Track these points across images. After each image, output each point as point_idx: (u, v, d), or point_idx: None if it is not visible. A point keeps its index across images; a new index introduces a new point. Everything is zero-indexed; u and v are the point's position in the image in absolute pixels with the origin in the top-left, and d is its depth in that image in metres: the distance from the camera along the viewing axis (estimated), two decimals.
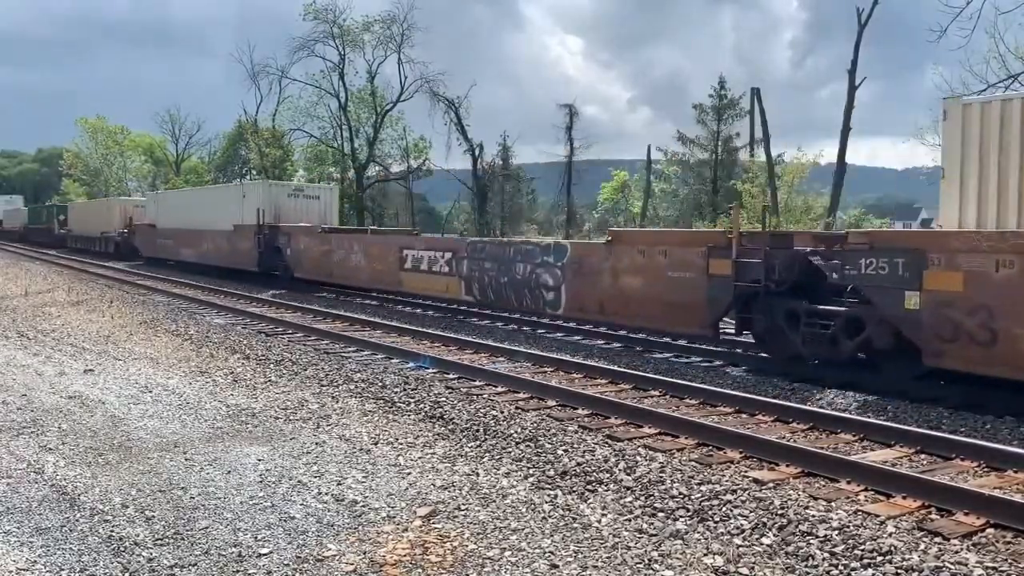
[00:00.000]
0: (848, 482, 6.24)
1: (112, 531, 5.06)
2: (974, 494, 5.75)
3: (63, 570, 4.51)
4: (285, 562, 4.66)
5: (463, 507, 5.60)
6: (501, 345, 12.98)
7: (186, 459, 6.61)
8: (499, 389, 9.78)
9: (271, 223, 24.54)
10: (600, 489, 6.04)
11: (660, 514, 5.54)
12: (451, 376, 10.57)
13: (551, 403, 9.04)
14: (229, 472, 6.27)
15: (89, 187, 68.22)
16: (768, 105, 36.13)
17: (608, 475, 6.32)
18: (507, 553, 4.84)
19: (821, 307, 10.46)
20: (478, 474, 6.36)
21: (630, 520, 5.43)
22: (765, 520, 5.38)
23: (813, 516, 5.43)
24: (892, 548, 4.91)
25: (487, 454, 6.94)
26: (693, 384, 9.81)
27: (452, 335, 14.11)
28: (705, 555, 4.86)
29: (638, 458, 6.77)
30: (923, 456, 7.14)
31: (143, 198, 41.83)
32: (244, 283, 24.25)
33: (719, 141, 42.83)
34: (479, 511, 5.53)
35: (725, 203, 37.61)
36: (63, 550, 4.78)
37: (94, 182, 68.37)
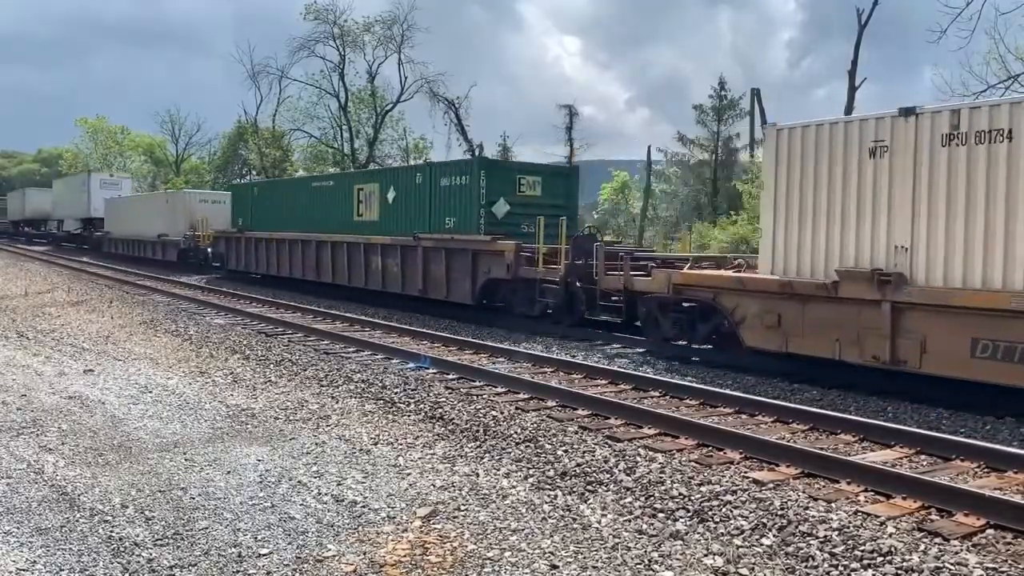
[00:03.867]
0: (848, 483, 6.24)
1: (112, 531, 5.06)
2: (974, 495, 5.75)
3: (63, 570, 4.51)
4: (285, 562, 4.66)
5: (463, 507, 5.60)
6: (501, 345, 12.99)
7: (186, 459, 6.61)
8: (499, 389, 9.78)
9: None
10: (600, 490, 6.04)
11: (660, 515, 5.54)
12: (451, 376, 10.57)
13: (551, 403, 9.04)
14: (229, 472, 6.27)
15: None
16: (766, 105, 36.17)
17: (608, 476, 6.32)
18: (507, 553, 4.84)
19: None
20: (478, 474, 6.35)
21: (630, 521, 5.43)
22: (765, 521, 5.38)
23: (813, 517, 5.43)
24: (892, 549, 4.91)
25: (487, 455, 6.94)
26: (693, 384, 9.81)
27: (452, 335, 14.12)
28: (705, 555, 4.86)
29: (638, 459, 6.77)
30: (923, 457, 7.14)
31: None
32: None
33: (719, 142, 42.80)
34: (479, 511, 5.53)
35: (725, 204, 37.53)
36: (63, 550, 4.77)
37: None
